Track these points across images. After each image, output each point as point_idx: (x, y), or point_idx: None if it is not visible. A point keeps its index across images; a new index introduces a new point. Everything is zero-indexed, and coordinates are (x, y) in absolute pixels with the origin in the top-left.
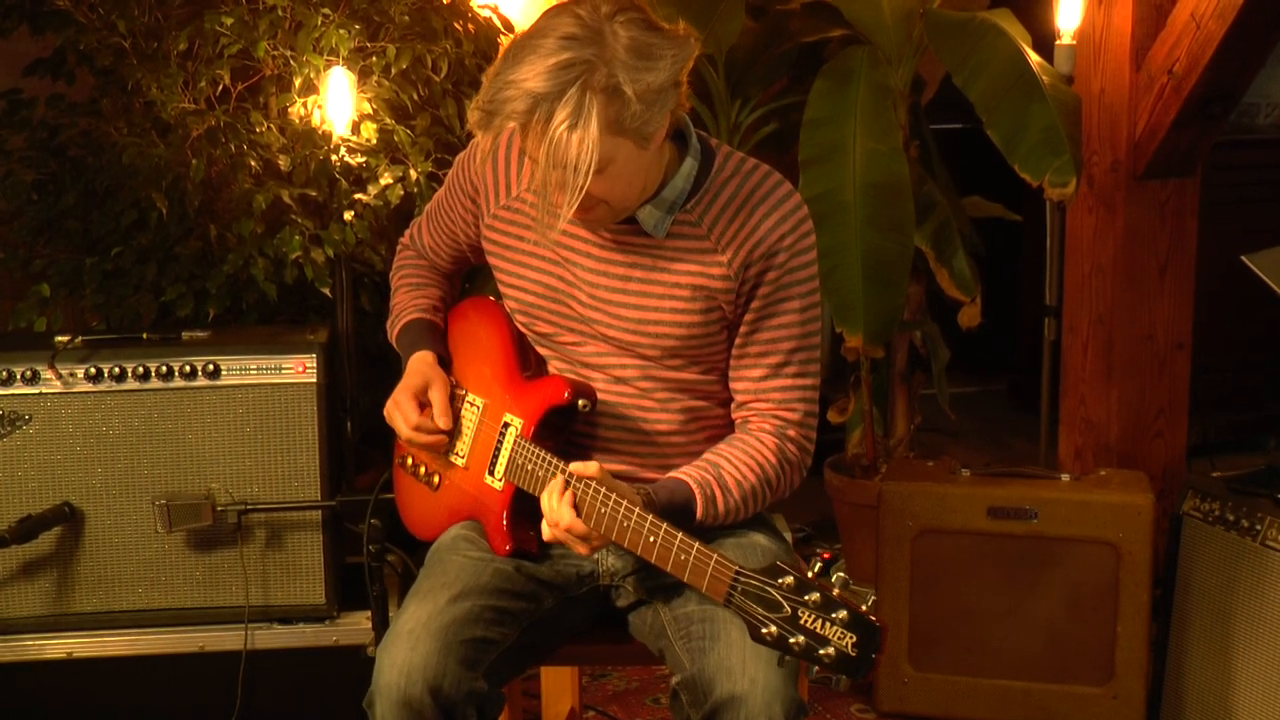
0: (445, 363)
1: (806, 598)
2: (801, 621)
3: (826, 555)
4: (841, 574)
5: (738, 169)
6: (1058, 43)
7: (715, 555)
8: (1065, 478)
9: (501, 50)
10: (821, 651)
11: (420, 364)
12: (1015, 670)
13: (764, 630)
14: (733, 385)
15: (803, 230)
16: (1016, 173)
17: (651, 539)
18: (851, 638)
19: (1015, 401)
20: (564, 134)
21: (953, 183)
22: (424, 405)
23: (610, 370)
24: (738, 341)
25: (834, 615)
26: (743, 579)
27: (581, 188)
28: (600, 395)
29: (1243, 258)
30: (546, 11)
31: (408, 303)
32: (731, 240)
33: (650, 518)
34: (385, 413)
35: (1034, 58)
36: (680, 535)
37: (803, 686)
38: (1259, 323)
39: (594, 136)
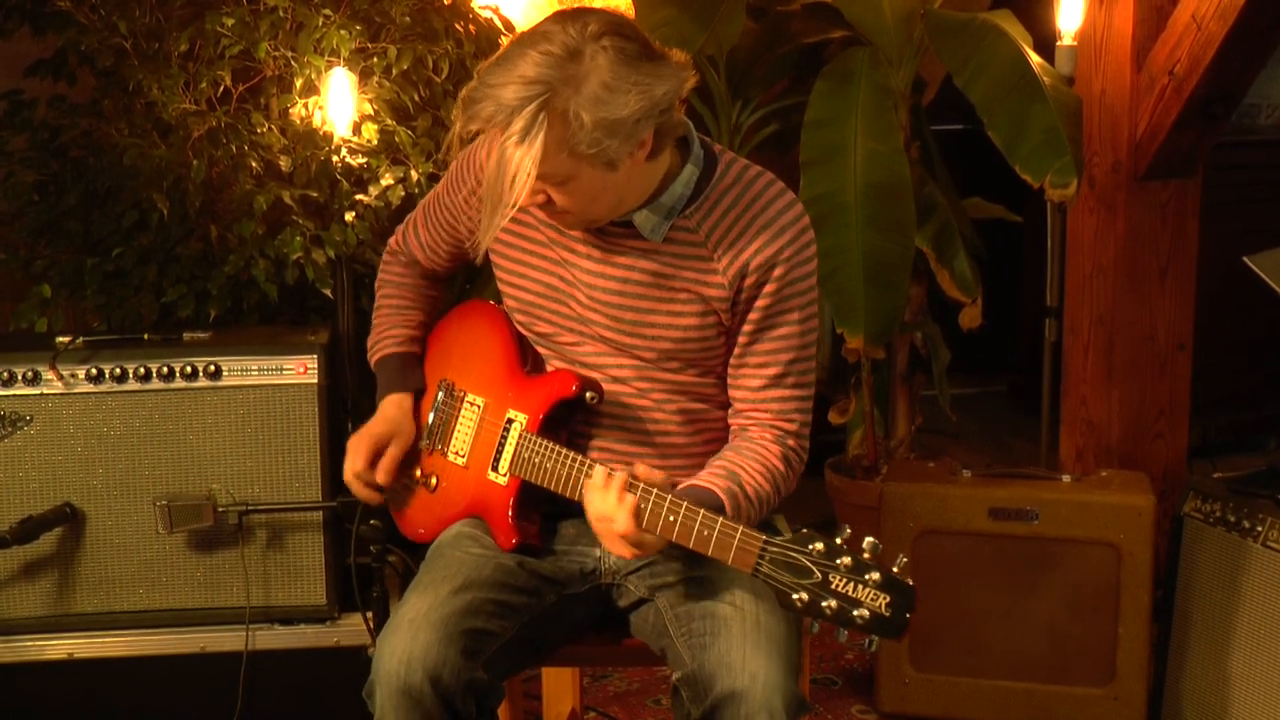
0: (419, 396)
1: (838, 562)
2: (833, 586)
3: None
4: (871, 539)
5: (739, 177)
6: (1058, 44)
7: (740, 528)
8: (1066, 479)
9: (504, 45)
10: (855, 613)
11: (393, 409)
12: (1016, 671)
13: (794, 596)
14: (731, 393)
15: (802, 242)
16: (1017, 174)
17: (672, 518)
18: (885, 598)
19: (1016, 402)
20: (511, 147)
21: (954, 184)
22: (379, 456)
23: (608, 371)
24: (736, 351)
25: (867, 577)
26: (771, 548)
27: (514, 202)
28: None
29: (1244, 259)
30: (552, 15)
31: (387, 328)
32: (729, 249)
33: (669, 498)
34: (348, 445)
35: (1035, 59)
36: (702, 511)
37: (803, 684)
38: (1260, 323)
39: (534, 156)
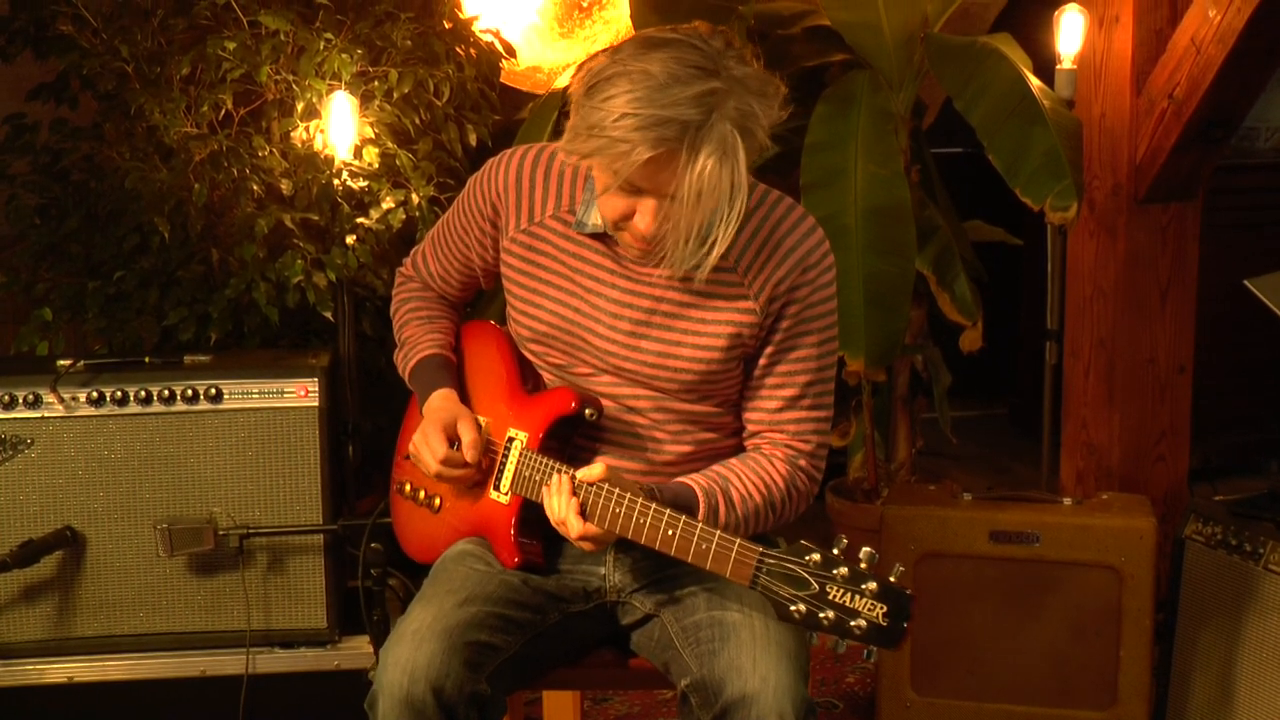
0: (462, 400)
1: (834, 572)
2: (830, 596)
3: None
4: (868, 549)
5: (761, 200)
6: (1058, 67)
7: (738, 541)
8: (1067, 502)
9: (598, 74)
10: (852, 624)
11: (445, 400)
12: (1018, 694)
13: (792, 608)
14: (746, 415)
15: (824, 266)
16: (1018, 197)
17: (670, 532)
18: (882, 608)
19: (1017, 426)
20: (714, 164)
21: (954, 207)
22: (453, 441)
23: (622, 400)
24: (755, 373)
25: (863, 587)
26: (768, 560)
27: (738, 213)
28: (611, 425)
29: (1245, 282)
30: (649, 39)
31: (421, 337)
32: (758, 275)
33: (668, 512)
34: (411, 448)
35: (1035, 82)
36: (700, 525)
37: None
38: (1261, 346)
39: (743, 168)
